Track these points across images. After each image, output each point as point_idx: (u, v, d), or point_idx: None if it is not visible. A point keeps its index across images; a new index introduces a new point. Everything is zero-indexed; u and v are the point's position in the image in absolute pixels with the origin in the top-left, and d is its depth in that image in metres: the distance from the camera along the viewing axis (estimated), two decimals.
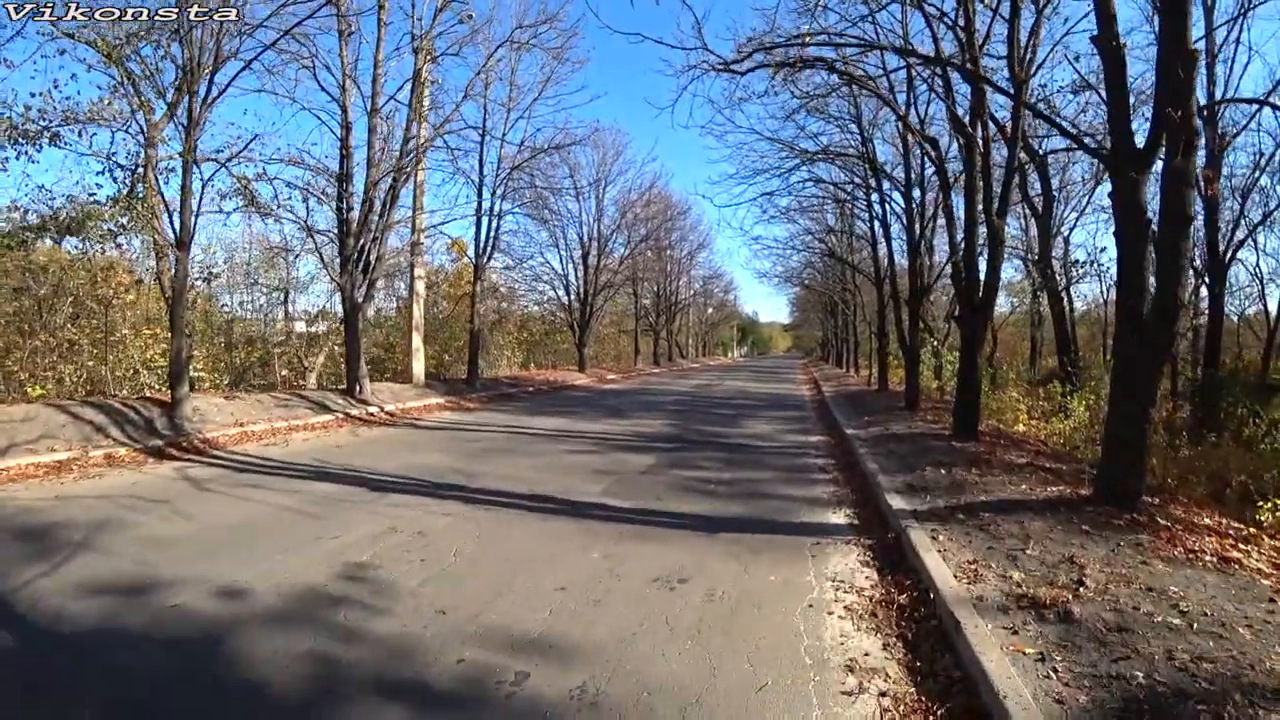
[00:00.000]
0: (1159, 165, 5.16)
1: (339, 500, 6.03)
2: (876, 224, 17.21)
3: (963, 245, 9.03)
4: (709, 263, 49.57)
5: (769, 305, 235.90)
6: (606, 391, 20.41)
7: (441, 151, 17.55)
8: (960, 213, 9.51)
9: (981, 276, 9.04)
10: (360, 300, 14.30)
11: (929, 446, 8.33)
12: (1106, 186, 8.88)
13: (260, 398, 12.57)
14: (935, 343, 20.95)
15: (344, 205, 13.97)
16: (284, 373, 17.77)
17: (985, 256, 8.94)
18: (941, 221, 15.51)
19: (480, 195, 18.37)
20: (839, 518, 5.65)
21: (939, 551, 4.23)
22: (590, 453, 8.94)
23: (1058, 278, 18.25)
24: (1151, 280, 5.14)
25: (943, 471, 6.68)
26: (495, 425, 11.97)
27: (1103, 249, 23.93)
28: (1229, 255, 15.78)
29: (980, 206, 9.05)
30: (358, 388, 14.27)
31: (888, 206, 14.40)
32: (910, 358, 13.00)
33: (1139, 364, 5.02)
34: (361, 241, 14.55)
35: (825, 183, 15.03)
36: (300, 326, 20.89)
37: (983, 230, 8.97)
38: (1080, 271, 19.70)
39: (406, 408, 14.36)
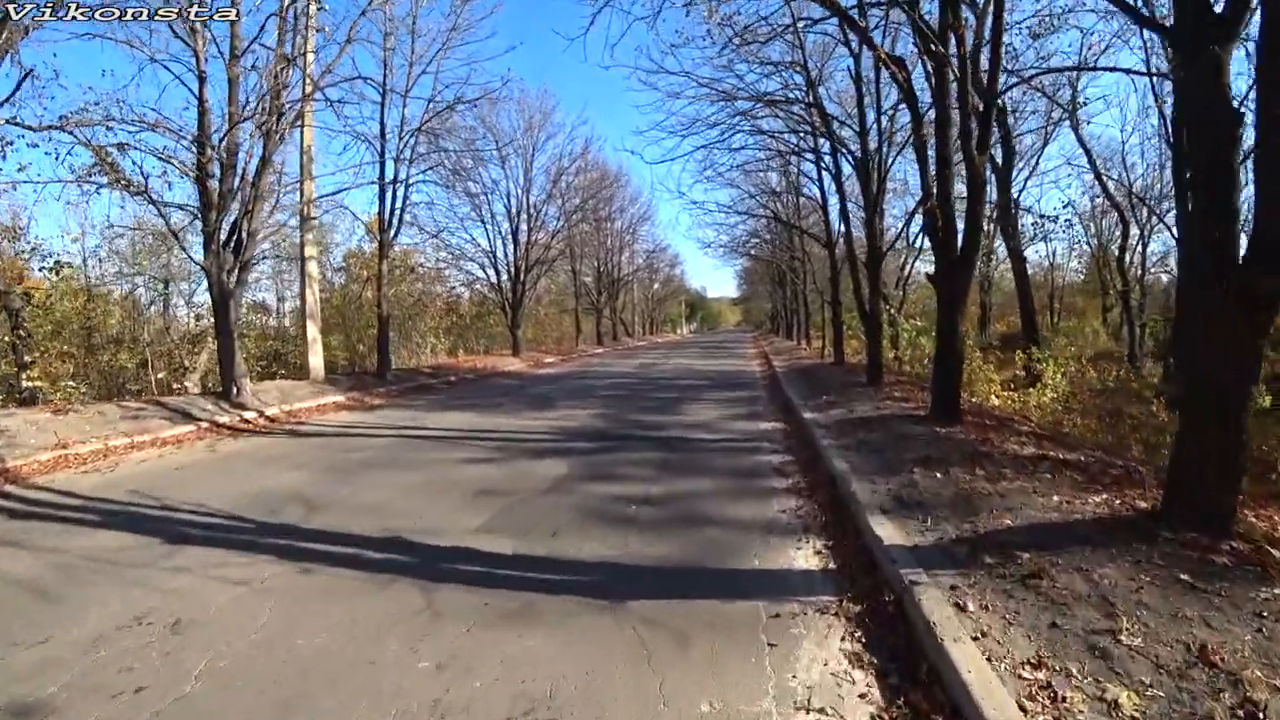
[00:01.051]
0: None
1: (107, 561, 4.13)
2: (828, 176, 15.66)
3: (936, 189, 7.43)
4: (652, 236, 47.74)
5: (717, 280, 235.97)
6: (539, 377, 18.50)
7: (332, 112, 15.24)
8: (932, 153, 7.95)
9: (960, 226, 7.48)
10: (232, 286, 12.01)
11: (908, 434, 6.78)
12: (1056, 145, 7.39)
13: (104, 409, 10.29)
14: (892, 310, 19.70)
15: (204, 173, 11.64)
16: (160, 375, 15.28)
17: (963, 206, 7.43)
18: (899, 180, 14.13)
19: (383, 162, 16.09)
20: (807, 557, 3.97)
21: (975, 638, 2.58)
22: (489, 461, 7.10)
23: (1020, 236, 17.09)
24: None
25: (937, 475, 5.08)
26: (391, 427, 9.99)
27: (1066, 204, 23.02)
28: None
29: (957, 141, 7.47)
30: (234, 389, 12.03)
31: (840, 158, 12.78)
32: (871, 328, 11.52)
33: (1221, 323, 3.45)
34: (229, 216, 12.28)
35: (769, 134, 13.31)
36: (193, 320, 18.33)
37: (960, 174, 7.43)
38: (1049, 228, 18.56)
39: (294, 410, 12.21)
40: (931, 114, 8.13)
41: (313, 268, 14.70)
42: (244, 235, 12.22)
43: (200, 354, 15.75)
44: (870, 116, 12.25)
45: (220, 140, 11.54)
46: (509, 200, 24.01)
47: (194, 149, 11.59)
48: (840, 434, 7.22)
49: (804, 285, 25.72)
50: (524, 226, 24.31)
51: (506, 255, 24.16)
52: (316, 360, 14.69)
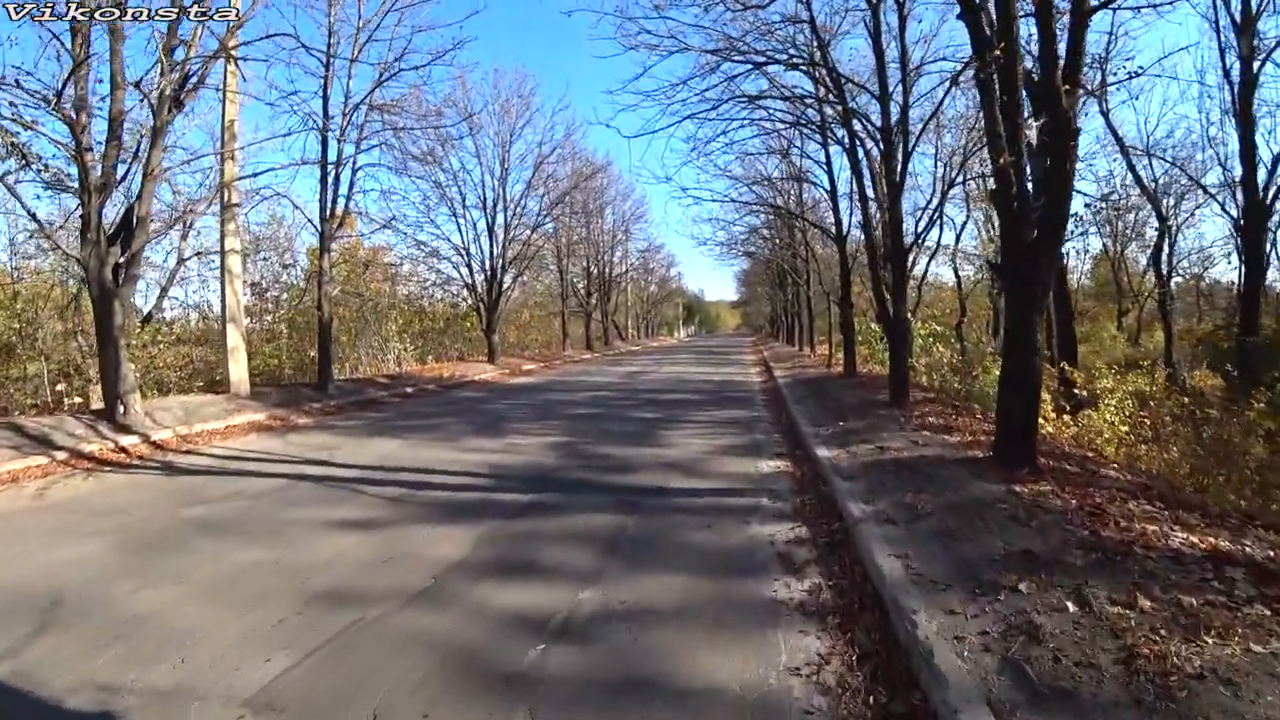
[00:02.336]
0: None
1: None
2: (838, 157, 13.49)
3: (1006, 141, 5.23)
4: (646, 235, 45.50)
5: (715, 283, 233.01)
6: (509, 389, 16.30)
7: (268, 87, 13.10)
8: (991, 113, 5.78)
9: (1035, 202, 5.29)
10: (115, 282, 9.85)
11: (976, 496, 4.57)
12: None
13: None
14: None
15: (79, 144, 9.49)
16: (60, 388, 13.08)
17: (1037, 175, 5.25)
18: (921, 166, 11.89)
19: (325, 141, 13.92)
20: None
21: None
22: (368, 528, 4.94)
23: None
24: None
25: (1068, 605, 2.85)
26: (291, 460, 7.82)
27: (1109, 193, 20.89)
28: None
29: (1035, 77, 5.30)
30: (120, 408, 9.86)
31: (855, 131, 10.55)
32: (896, 335, 9.32)
33: None
34: (115, 203, 10.17)
35: (767, 100, 11.08)
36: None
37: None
38: (1089, 216, 16.29)
39: (193, 433, 10.02)
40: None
41: (234, 262, 12.51)
42: (133, 220, 10.10)
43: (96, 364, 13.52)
44: (893, 79, 10.09)
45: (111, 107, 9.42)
46: (483, 192, 21.84)
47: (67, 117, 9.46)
48: (874, 491, 5.02)
49: (807, 286, 23.54)
50: (501, 221, 22.14)
51: (481, 252, 21.99)
52: (238, 371, 12.49)
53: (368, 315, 19.41)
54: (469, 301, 22.88)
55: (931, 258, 19.03)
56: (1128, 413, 9.32)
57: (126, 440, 9.19)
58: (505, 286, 22.58)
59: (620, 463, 7.04)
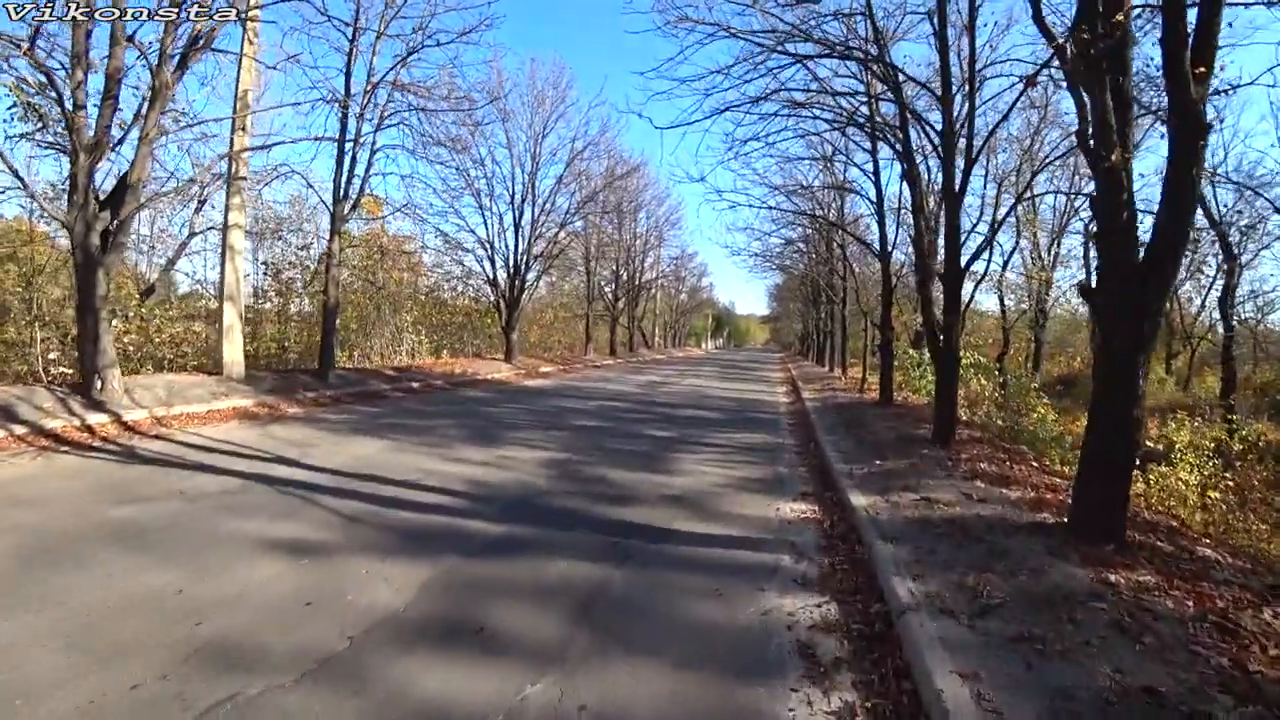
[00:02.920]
0: None
1: None
2: (888, 167, 12.40)
3: (1117, 138, 4.19)
4: (679, 242, 44.57)
5: (747, 296, 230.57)
6: (520, 391, 15.47)
7: (292, 59, 12.51)
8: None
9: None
10: (101, 249, 9.23)
11: (1062, 588, 3.51)
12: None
13: None
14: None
15: (69, 96, 8.92)
16: (53, 356, 12.55)
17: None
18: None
19: (345, 118, 13.27)
20: None
21: None
22: (300, 555, 4.09)
23: None
24: None
25: None
26: (262, 455, 7.06)
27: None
28: None
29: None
30: (98, 383, 9.24)
31: (916, 135, 9.49)
32: (946, 365, 8.23)
33: None
34: (109, 164, 9.60)
35: (821, 92, 10.04)
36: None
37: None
38: None
39: (170, 416, 9.35)
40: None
41: (237, 238, 11.87)
42: (127, 183, 9.49)
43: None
44: (956, 77, 9.05)
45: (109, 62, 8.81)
46: (512, 185, 21.13)
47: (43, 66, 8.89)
48: (924, 561, 4.00)
49: (843, 305, 22.37)
50: (528, 216, 21.38)
51: (506, 246, 21.27)
52: (232, 353, 11.84)
53: (381, 304, 18.75)
54: (490, 297, 22.14)
55: (978, 284, 17.76)
56: (1207, 472, 8.11)
57: (96, 419, 8.52)
58: (528, 284, 21.81)
59: (620, 491, 6.10)
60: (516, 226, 21.21)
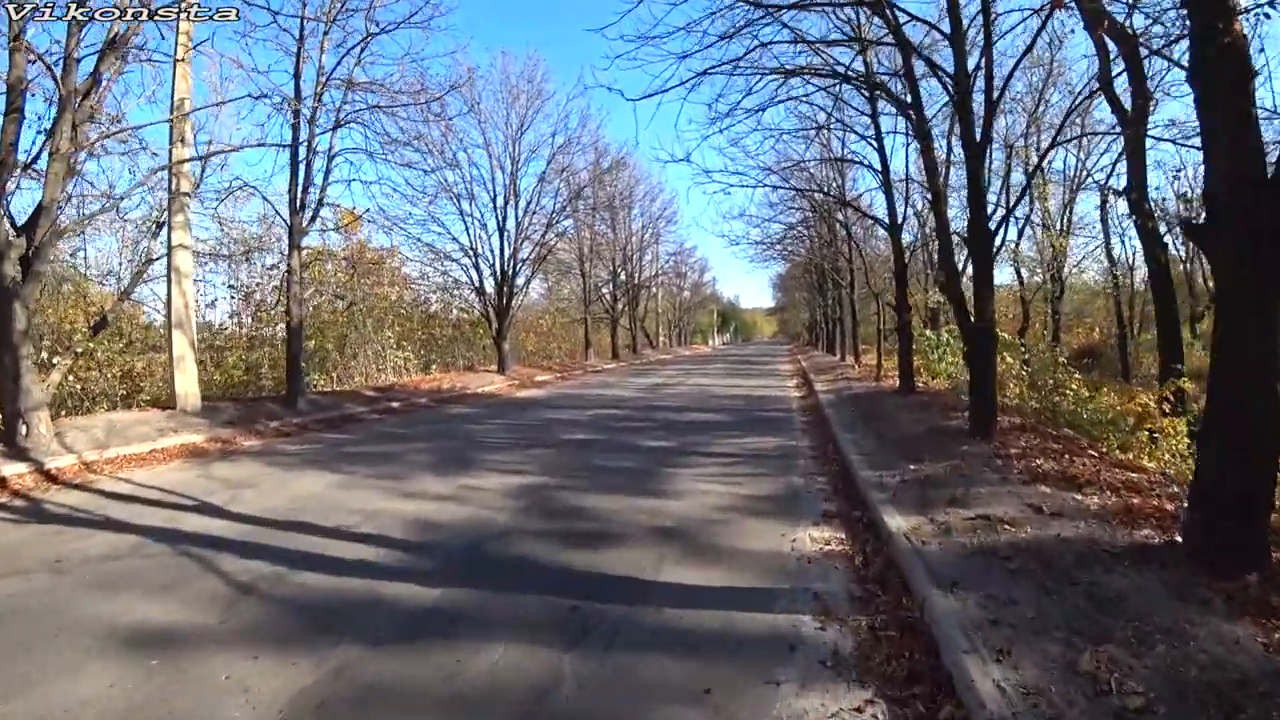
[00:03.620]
0: None
1: None
2: (890, 121, 11.18)
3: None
4: (676, 238, 43.38)
5: (751, 289, 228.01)
6: (508, 404, 14.36)
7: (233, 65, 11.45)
8: None
9: None
10: (20, 279, 8.20)
11: (1238, 672, 2.33)
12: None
13: None
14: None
15: None
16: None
17: None
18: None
19: (296, 124, 12.20)
20: None
21: None
22: (148, 654, 2.94)
23: (1157, 214, 12.22)
24: None
25: None
26: (183, 503, 5.96)
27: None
28: None
29: None
30: (21, 428, 8.19)
31: (928, 80, 8.28)
32: (981, 344, 7.00)
33: None
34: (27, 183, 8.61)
35: (810, 42, 8.79)
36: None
37: None
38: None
39: (105, 459, 8.27)
40: None
41: (183, 260, 10.81)
42: (45, 200, 8.47)
43: (53, 371, 11.99)
44: (968, 13, 7.85)
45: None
46: (493, 187, 20.05)
47: None
48: (1004, 623, 2.82)
49: (850, 290, 21.13)
50: (512, 218, 20.29)
51: (491, 252, 20.18)
52: (186, 383, 10.77)
53: (360, 321, 17.71)
54: (478, 307, 21.06)
55: (996, 252, 16.53)
56: None
57: (11, 469, 7.43)
58: (518, 290, 20.72)
59: (597, 526, 4.94)
60: (501, 230, 20.14)
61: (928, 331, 16.95)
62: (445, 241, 19.87)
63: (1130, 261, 30.82)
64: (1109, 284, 26.90)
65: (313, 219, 12.72)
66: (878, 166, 11.83)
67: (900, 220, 11.64)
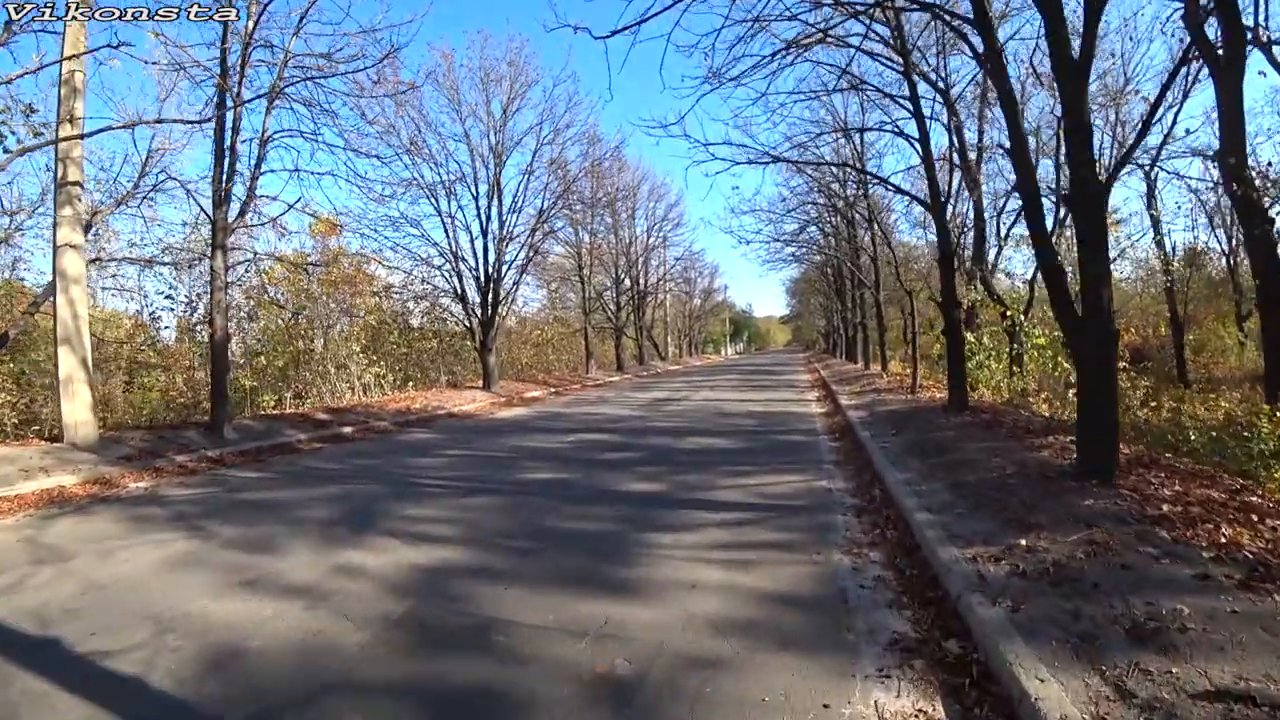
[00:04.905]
0: None
1: None
2: (933, 97, 9.07)
3: None
4: (683, 241, 41.23)
5: (765, 297, 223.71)
6: (480, 428, 12.29)
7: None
8: None
9: None
10: None
11: None
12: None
13: None
14: (1019, 322, 12.93)
15: None
16: None
17: None
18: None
19: (221, 101, 10.28)
20: None
21: None
22: None
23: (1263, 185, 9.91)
24: None
25: None
26: None
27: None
28: None
29: None
30: None
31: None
32: (1095, 341, 4.79)
33: None
34: None
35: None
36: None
37: None
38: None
39: None
40: None
41: (71, 263, 8.89)
42: None
43: None
44: None
45: None
46: (475, 184, 18.08)
47: None
48: None
49: (875, 289, 18.92)
50: (495, 218, 18.30)
51: (475, 256, 18.20)
52: (76, 411, 8.80)
53: (318, 334, 15.79)
54: (461, 316, 19.07)
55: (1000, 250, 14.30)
56: None
57: None
58: (505, 296, 18.70)
59: (495, 675, 2.82)
60: (485, 232, 18.15)
61: (967, 335, 14.72)
62: (423, 245, 17.92)
63: (1167, 258, 28.10)
64: (1164, 277, 24.53)
65: (241, 214, 10.77)
66: (913, 132, 9.68)
67: (945, 196, 9.49)
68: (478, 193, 18.21)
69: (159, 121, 9.18)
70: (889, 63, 10.10)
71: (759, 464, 7.33)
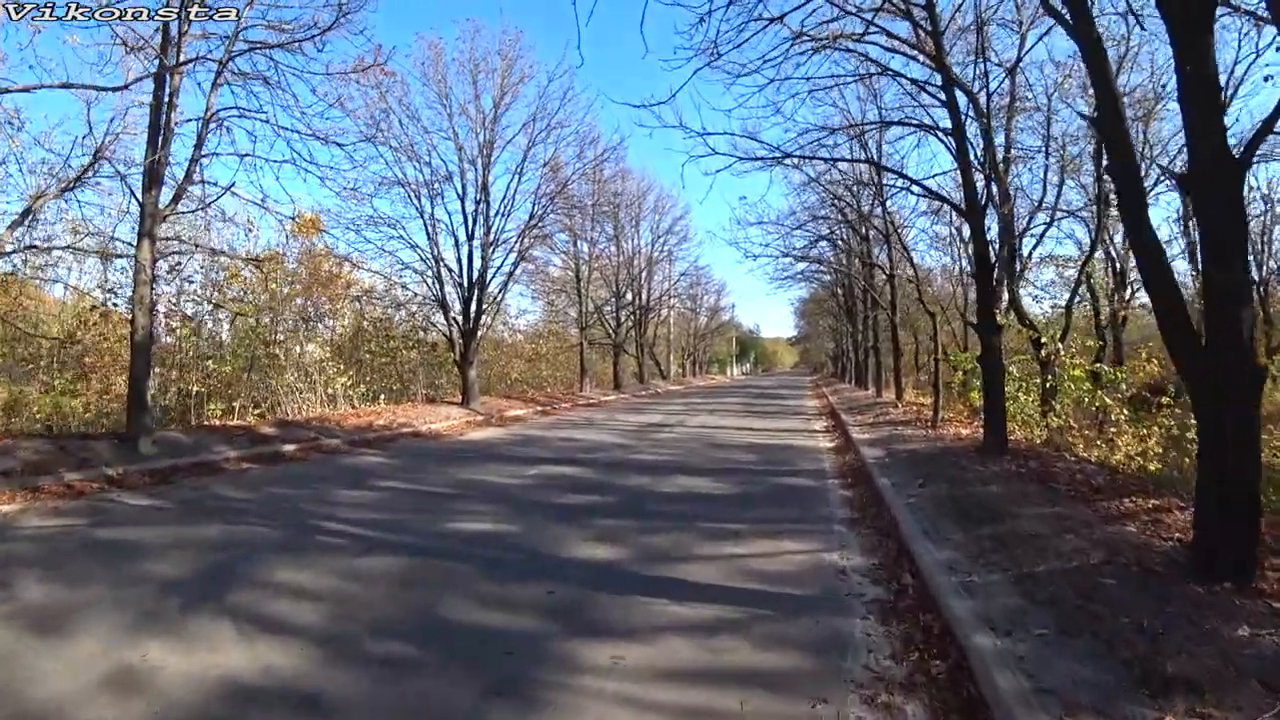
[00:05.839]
0: None
1: None
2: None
3: None
4: (688, 255, 39.82)
5: (773, 318, 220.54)
6: (440, 452, 10.83)
7: None
8: None
9: None
10: None
11: None
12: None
13: None
14: (1060, 355, 11.48)
15: None
16: None
17: None
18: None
19: (161, 76, 9.00)
20: None
21: None
22: None
23: None
24: None
25: None
26: None
27: None
28: None
29: None
30: None
31: None
32: (1238, 380, 3.36)
33: None
34: None
35: None
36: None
37: None
38: None
39: None
40: None
41: None
42: None
43: None
44: None
45: None
46: (462, 182, 16.76)
47: None
48: None
49: (891, 310, 17.43)
50: (481, 222, 16.97)
51: (459, 261, 16.86)
52: None
53: (276, 337, 14.44)
54: (441, 326, 17.72)
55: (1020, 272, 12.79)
56: None
57: None
58: (489, 304, 17.34)
59: None
60: (470, 236, 16.82)
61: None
62: (404, 248, 16.60)
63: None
64: (1197, 304, 22.86)
65: (175, 199, 9.46)
66: (944, 123, 8.27)
67: (983, 198, 8.04)
68: (464, 194, 16.91)
69: (66, 86, 7.87)
70: (914, 50, 8.75)
71: (752, 521, 5.82)
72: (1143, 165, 18.18)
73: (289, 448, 10.41)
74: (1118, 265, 19.61)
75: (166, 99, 9.22)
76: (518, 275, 19.96)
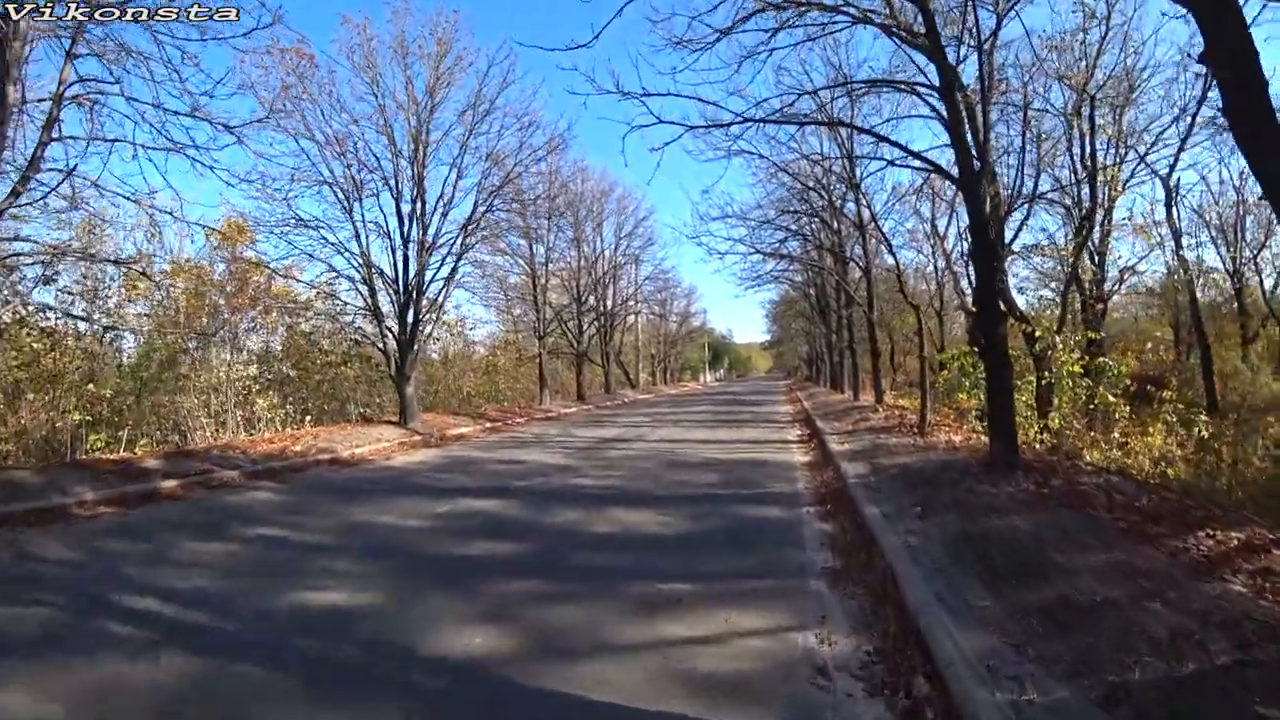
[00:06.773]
0: None
1: None
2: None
3: None
4: (655, 260, 38.39)
5: (745, 323, 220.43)
6: (344, 486, 9.19)
7: None
8: None
9: None
10: None
11: None
12: None
13: None
14: (1058, 351, 10.27)
15: None
16: None
17: None
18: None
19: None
20: None
21: None
22: None
23: None
24: None
25: None
26: None
27: None
28: None
29: None
30: None
31: None
32: None
33: None
34: None
35: None
36: None
37: None
38: None
39: None
40: None
41: None
42: None
43: None
44: None
45: None
46: (397, 180, 15.15)
47: None
48: None
49: (869, 306, 16.17)
50: (416, 225, 15.36)
51: (394, 267, 15.23)
52: None
53: (163, 356, 12.72)
54: (372, 338, 16.05)
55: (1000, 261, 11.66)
56: None
57: None
58: (427, 314, 15.73)
59: None
60: (405, 237, 15.21)
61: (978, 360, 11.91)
62: (328, 250, 14.91)
63: (1178, 275, 25.62)
64: (1182, 293, 22.32)
65: (14, 193, 7.80)
66: (931, 80, 6.95)
67: (976, 165, 6.72)
68: (398, 192, 15.30)
69: None
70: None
71: (701, 578, 4.35)
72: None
73: (169, 484, 8.70)
74: (1095, 258, 18.64)
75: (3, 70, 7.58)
76: (465, 281, 18.36)
